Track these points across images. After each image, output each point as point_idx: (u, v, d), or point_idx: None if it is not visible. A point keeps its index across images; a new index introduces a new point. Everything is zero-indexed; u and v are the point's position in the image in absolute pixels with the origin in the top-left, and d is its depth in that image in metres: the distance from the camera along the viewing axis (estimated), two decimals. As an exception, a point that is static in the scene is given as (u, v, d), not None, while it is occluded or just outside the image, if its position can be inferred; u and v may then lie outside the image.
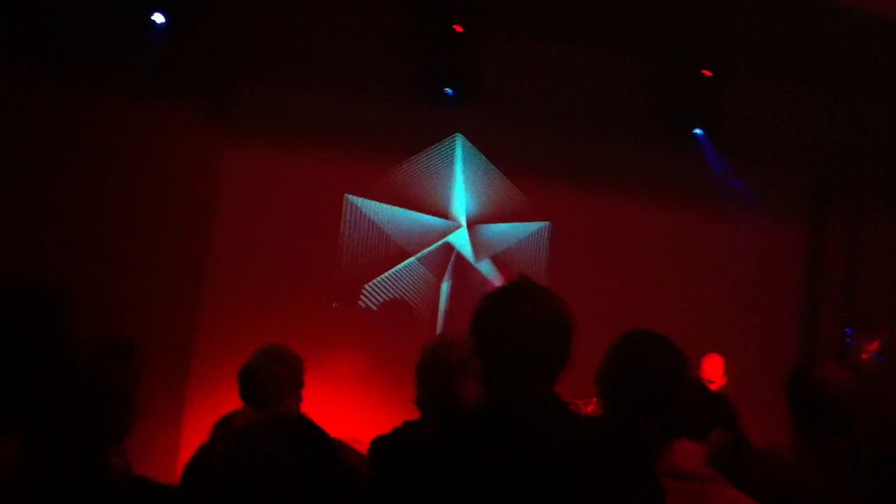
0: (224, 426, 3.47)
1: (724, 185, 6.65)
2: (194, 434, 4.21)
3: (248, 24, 5.81)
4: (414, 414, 2.83)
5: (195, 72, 5.71)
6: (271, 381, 3.53)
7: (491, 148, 6.34)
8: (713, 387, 5.52)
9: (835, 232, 7.00)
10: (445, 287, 6.35)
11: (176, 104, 5.69)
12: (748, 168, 6.72)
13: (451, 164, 6.34)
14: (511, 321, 2.04)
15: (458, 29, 5.79)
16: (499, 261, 6.41)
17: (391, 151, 6.20)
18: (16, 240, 5.22)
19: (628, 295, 6.28)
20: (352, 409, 5.58)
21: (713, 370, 5.65)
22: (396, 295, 6.26)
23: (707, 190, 6.66)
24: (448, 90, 6.00)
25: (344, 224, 6.13)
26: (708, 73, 6.28)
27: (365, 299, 6.18)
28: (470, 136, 6.30)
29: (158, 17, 5.45)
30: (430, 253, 6.36)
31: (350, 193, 6.13)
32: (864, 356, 5.55)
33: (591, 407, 3.59)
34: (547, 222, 6.52)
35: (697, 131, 6.50)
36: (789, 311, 6.91)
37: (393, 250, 6.26)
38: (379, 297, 6.22)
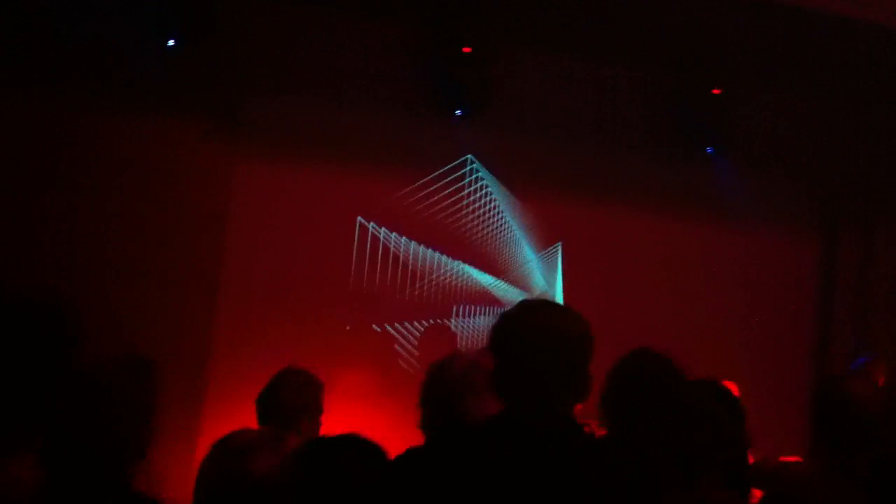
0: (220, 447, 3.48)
1: (735, 199, 6.65)
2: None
3: (260, 39, 5.85)
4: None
5: (207, 86, 5.74)
6: (292, 403, 3.53)
7: (501, 165, 6.35)
8: None
9: (848, 245, 6.98)
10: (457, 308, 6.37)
11: (187, 119, 5.72)
12: (759, 182, 6.72)
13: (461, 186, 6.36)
14: (530, 334, 2.06)
15: (467, 50, 5.82)
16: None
17: (402, 169, 6.22)
18: (29, 253, 5.25)
19: (640, 312, 6.28)
20: (365, 429, 5.58)
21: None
22: (411, 314, 6.28)
23: (718, 205, 6.67)
24: (459, 111, 6.03)
25: (356, 241, 6.15)
26: (717, 91, 6.29)
27: (379, 321, 6.19)
28: (480, 154, 6.32)
29: (171, 42, 5.50)
30: (443, 272, 6.38)
31: (362, 210, 6.16)
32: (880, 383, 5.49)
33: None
34: (558, 243, 6.54)
35: (709, 150, 6.51)
36: (802, 325, 6.88)
37: (406, 268, 6.29)
38: (393, 318, 6.25)
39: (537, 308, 2.13)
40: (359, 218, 6.18)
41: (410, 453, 2.58)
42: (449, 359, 2.74)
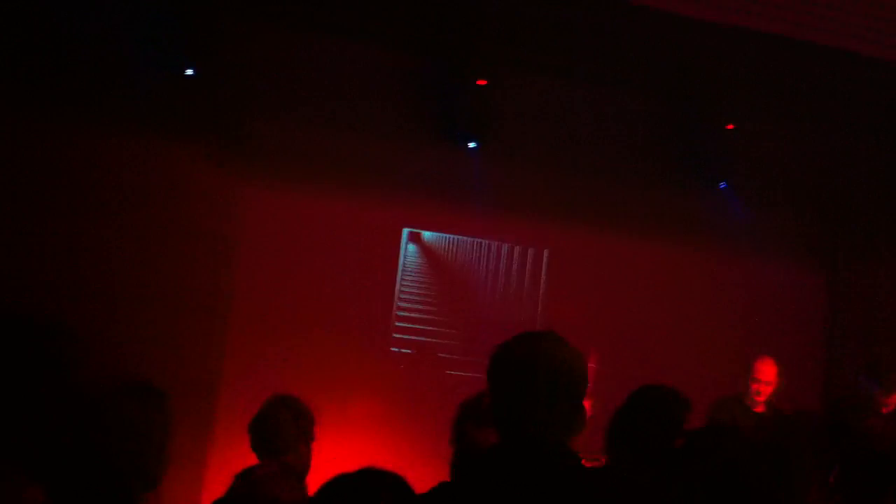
0: (245, 478, 3.49)
1: (740, 229, 6.66)
2: (217, 481, 4.23)
3: (268, 65, 5.87)
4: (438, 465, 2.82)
5: (214, 110, 5.77)
6: (275, 429, 3.55)
7: (506, 193, 6.37)
8: (766, 388, 5.52)
9: (854, 276, 6.97)
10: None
11: (195, 143, 5.74)
12: (764, 212, 6.73)
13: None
14: (525, 365, 2.07)
15: (482, 83, 5.85)
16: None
17: (408, 196, 6.26)
18: (36, 276, 5.25)
19: (647, 341, 6.27)
20: (378, 458, 5.56)
21: (767, 373, 5.55)
22: (422, 342, 6.29)
23: (724, 234, 6.67)
24: (471, 144, 6.04)
25: (366, 265, 6.18)
26: (731, 126, 6.33)
27: (391, 344, 6.21)
28: (485, 182, 6.33)
29: (190, 71, 5.55)
30: (450, 301, 6.40)
31: (369, 235, 6.18)
32: (885, 409, 5.34)
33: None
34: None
35: (722, 185, 6.54)
36: (808, 355, 6.86)
37: (414, 292, 6.31)
38: (405, 344, 6.26)
39: (534, 339, 2.15)
40: (365, 245, 6.20)
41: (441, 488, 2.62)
42: (479, 395, 2.74)
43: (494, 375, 2.13)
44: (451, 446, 2.71)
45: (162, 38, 5.40)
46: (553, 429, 2.06)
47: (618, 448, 2.43)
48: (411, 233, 6.38)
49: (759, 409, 5.54)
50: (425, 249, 6.47)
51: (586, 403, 2.13)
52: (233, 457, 3.92)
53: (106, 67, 5.49)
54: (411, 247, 6.37)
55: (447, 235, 6.48)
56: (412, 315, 6.36)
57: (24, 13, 5.34)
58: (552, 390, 2.06)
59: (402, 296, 6.34)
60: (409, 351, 6.28)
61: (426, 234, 6.45)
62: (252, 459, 3.66)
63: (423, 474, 2.84)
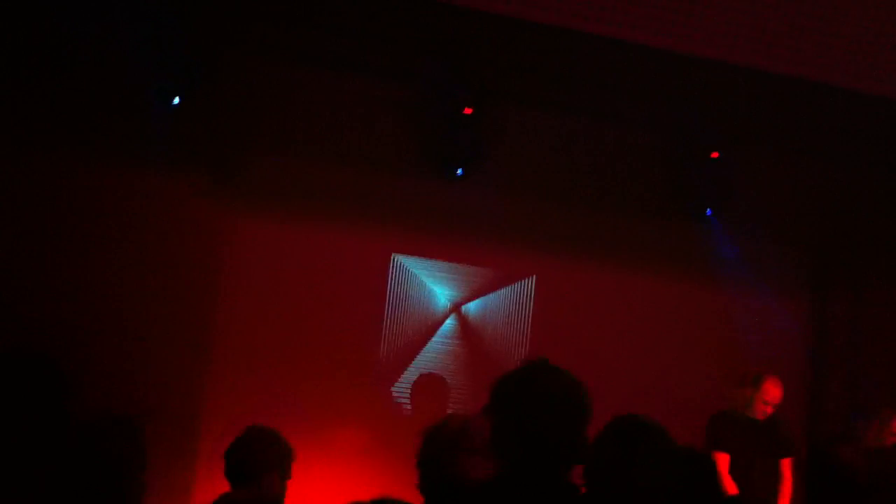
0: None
1: (727, 261, 6.69)
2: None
3: (261, 97, 5.93)
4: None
5: (205, 143, 5.82)
6: (246, 456, 3.53)
7: (497, 224, 6.41)
8: (769, 409, 5.45)
9: (838, 307, 7.00)
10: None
11: (188, 176, 5.77)
12: (751, 244, 6.77)
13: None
14: (531, 396, 2.09)
15: (468, 111, 5.92)
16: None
17: (401, 228, 6.29)
18: (22, 307, 5.24)
19: (631, 371, 6.28)
20: (362, 487, 5.53)
21: (776, 395, 5.47)
22: (409, 372, 6.28)
23: (710, 266, 6.70)
24: (458, 171, 6.10)
25: (351, 299, 6.18)
26: (715, 154, 6.38)
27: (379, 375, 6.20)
28: (477, 213, 6.36)
29: (177, 100, 5.59)
30: (438, 329, 6.40)
31: (359, 269, 6.20)
32: (892, 439, 5.37)
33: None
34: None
35: (708, 212, 6.58)
36: (793, 387, 6.86)
37: (400, 325, 6.31)
38: (395, 379, 6.25)
39: (538, 370, 2.16)
40: (356, 276, 6.21)
41: None
42: (443, 421, 2.76)
43: (496, 405, 2.12)
44: (423, 472, 2.69)
45: (157, 69, 5.45)
46: (554, 460, 2.06)
47: (598, 481, 2.43)
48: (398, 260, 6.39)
49: (759, 417, 5.51)
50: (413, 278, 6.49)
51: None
52: (217, 487, 3.90)
53: (100, 98, 5.53)
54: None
55: (435, 262, 6.48)
56: (400, 344, 6.35)
57: (24, 40, 5.40)
58: (554, 421, 2.07)
59: (391, 325, 6.34)
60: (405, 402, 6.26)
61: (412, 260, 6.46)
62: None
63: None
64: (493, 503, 2.06)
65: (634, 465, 2.35)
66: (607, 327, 6.50)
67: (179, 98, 5.57)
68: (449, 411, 6.00)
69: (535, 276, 6.58)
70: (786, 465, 5.51)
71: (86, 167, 5.60)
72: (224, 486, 3.70)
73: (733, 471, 5.34)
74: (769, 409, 5.46)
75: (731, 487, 5.27)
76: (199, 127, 5.75)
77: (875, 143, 6.41)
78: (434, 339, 6.40)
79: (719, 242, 6.68)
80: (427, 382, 6.27)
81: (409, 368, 6.32)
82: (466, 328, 6.48)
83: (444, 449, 2.63)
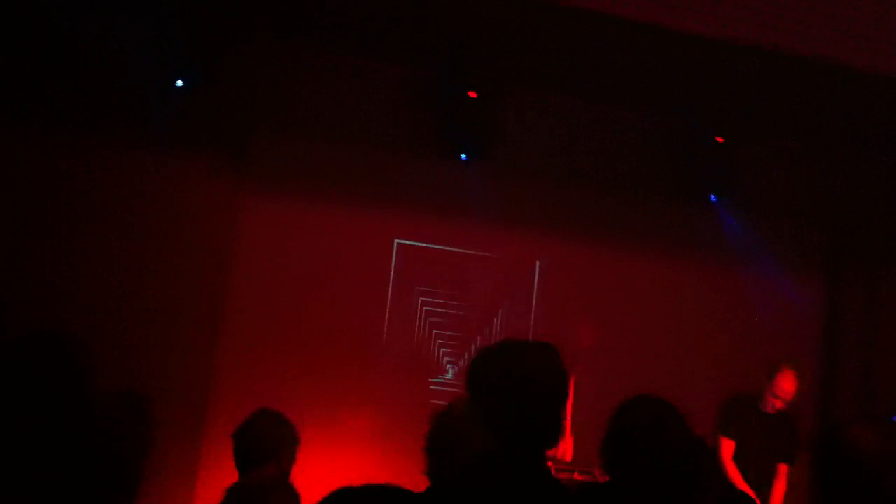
0: (237, 491, 3.46)
1: (739, 245, 6.65)
2: (208, 496, 4.20)
3: (268, 79, 5.92)
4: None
5: (215, 124, 5.81)
6: (257, 438, 3.53)
7: (505, 207, 6.38)
8: (782, 404, 5.20)
9: (852, 292, 6.96)
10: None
11: (196, 157, 5.78)
12: (763, 229, 6.73)
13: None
14: (500, 372, 2.07)
15: (473, 95, 5.88)
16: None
17: (407, 210, 6.26)
18: (34, 288, 5.26)
19: (640, 355, 6.25)
20: (369, 470, 5.54)
21: (787, 389, 5.19)
22: (413, 355, 6.27)
23: (722, 250, 6.67)
24: (462, 155, 6.06)
25: (358, 282, 6.16)
26: (721, 139, 6.33)
27: (383, 357, 6.19)
28: (484, 196, 6.33)
29: (179, 83, 5.57)
30: (444, 313, 6.38)
31: (366, 250, 6.18)
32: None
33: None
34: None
35: (713, 197, 6.53)
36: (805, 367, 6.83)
37: (407, 306, 6.30)
38: (396, 357, 6.23)
39: (514, 346, 2.13)
40: (363, 258, 6.19)
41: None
42: (449, 405, 2.74)
43: (470, 382, 2.11)
44: (430, 456, 2.68)
45: (165, 52, 5.43)
46: (527, 439, 2.05)
47: (617, 464, 2.38)
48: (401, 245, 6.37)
49: (769, 410, 5.28)
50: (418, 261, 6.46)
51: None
52: (224, 470, 3.89)
53: (108, 81, 5.53)
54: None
55: (439, 247, 6.46)
56: (405, 327, 6.34)
57: (30, 26, 5.38)
58: (528, 400, 2.04)
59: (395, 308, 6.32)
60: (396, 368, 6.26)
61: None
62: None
63: (413, 486, 2.82)
64: (467, 487, 2.03)
65: (665, 450, 2.30)
66: (613, 312, 6.47)
67: (188, 82, 5.54)
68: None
69: (539, 261, 6.55)
70: (782, 470, 5.26)
71: (95, 151, 5.61)
72: (229, 469, 3.70)
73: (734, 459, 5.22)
74: (778, 404, 5.20)
75: (734, 475, 5.17)
76: (207, 110, 5.74)
77: (890, 126, 6.33)
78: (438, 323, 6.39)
79: (729, 226, 6.64)
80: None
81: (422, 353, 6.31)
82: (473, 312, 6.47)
83: (452, 433, 2.62)
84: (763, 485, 5.21)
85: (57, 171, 5.52)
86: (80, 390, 2.29)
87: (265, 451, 3.47)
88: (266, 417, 3.58)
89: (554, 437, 2.07)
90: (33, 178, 5.47)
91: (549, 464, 2.13)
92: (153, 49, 5.46)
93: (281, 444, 3.51)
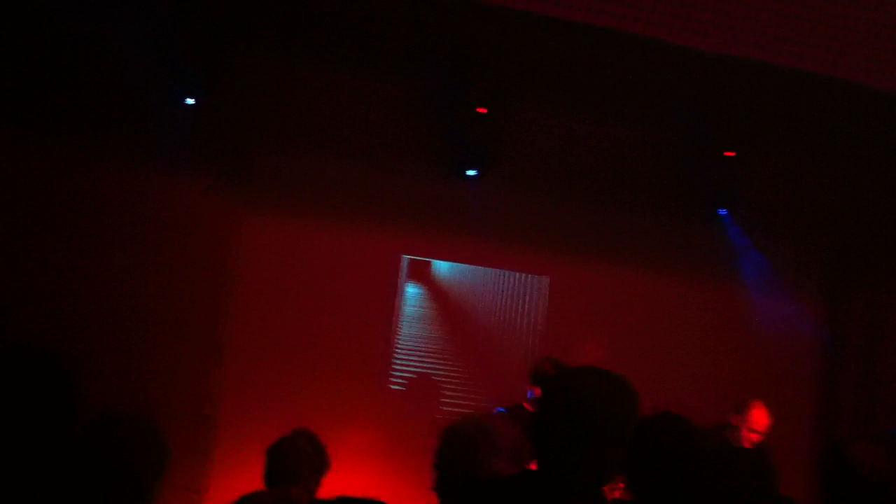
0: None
1: (742, 260, 6.65)
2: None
3: (273, 96, 5.95)
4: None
5: (219, 142, 5.84)
6: (294, 458, 3.52)
7: (510, 224, 6.39)
8: (756, 437, 5.18)
9: (855, 307, 6.94)
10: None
11: (199, 173, 5.79)
12: (766, 243, 6.73)
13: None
14: (583, 402, 2.00)
15: (482, 111, 5.90)
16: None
17: (411, 228, 6.28)
18: (36, 305, 5.28)
19: (644, 371, 6.21)
20: (373, 489, 5.53)
21: (762, 423, 5.20)
22: (420, 371, 6.27)
23: (725, 265, 6.67)
24: (471, 172, 6.07)
25: (362, 298, 6.17)
26: (730, 153, 6.34)
27: (390, 375, 6.19)
28: (489, 212, 6.34)
29: (189, 100, 5.61)
30: (450, 331, 6.39)
31: (369, 268, 6.19)
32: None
33: (617, 493, 3.52)
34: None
35: (721, 211, 6.54)
36: (809, 384, 6.82)
37: (411, 324, 6.30)
38: (402, 374, 6.23)
39: (590, 376, 2.08)
40: (369, 274, 6.21)
41: None
42: (462, 422, 2.71)
43: (548, 404, 2.07)
44: (440, 473, 2.64)
45: (170, 70, 5.47)
46: (591, 474, 2.00)
47: (640, 482, 2.36)
48: (412, 262, 6.38)
49: (746, 446, 5.16)
50: (426, 279, 6.48)
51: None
52: (231, 486, 3.90)
53: (113, 98, 5.57)
54: (412, 290, 6.38)
55: (448, 263, 6.48)
56: (412, 343, 6.34)
57: (36, 44, 5.42)
58: (599, 434, 1.99)
59: (403, 325, 6.33)
60: (403, 387, 6.25)
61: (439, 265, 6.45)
62: (251, 488, 3.64)
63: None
64: (520, 499, 2.00)
65: (689, 468, 2.29)
66: (621, 327, 6.47)
67: (193, 98, 5.58)
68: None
69: (548, 277, 6.55)
70: None
71: (100, 167, 5.64)
72: (238, 485, 3.70)
73: None
74: (755, 437, 5.18)
75: None
76: (211, 126, 5.77)
77: (891, 140, 6.34)
78: (445, 336, 6.40)
79: (734, 240, 6.64)
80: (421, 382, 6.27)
81: (419, 367, 6.31)
82: (477, 328, 6.47)
83: (464, 449, 2.58)
84: None
85: (62, 186, 5.55)
86: (67, 410, 2.28)
87: (294, 472, 3.46)
88: (302, 438, 3.57)
89: (615, 473, 2.04)
90: (38, 192, 5.50)
91: None
92: (158, 67, 5.49)
93: (311, 468, 3.51)
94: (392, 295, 6.29)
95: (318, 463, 3.56)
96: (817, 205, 6.79)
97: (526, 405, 5.09)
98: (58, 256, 5.50)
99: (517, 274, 6.59)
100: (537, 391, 4.94)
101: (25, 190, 5.46)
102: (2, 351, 2.29)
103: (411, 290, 6.40)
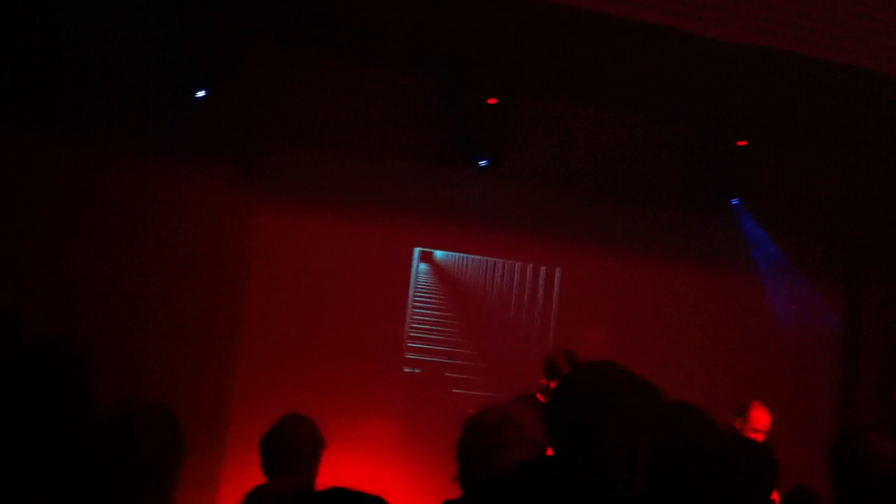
0: (256, 496, 3.47)
1: (758, 252, 6.62)
2: (231, 501, 4.22)
3: (285, 90, 5.96)
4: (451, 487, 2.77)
5: (231, 137, 5.84)
6: (291, 444, 3.53)
7: (521, 215, 6.38)
8: (759, 437, 5.17)
9: (873, 298, 6.90)
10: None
11: (211, 168, 5.81)
12: (782, 233, 6.70)
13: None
14: (610, 398, 2.01)
15: (492, 102, 5.88)
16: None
17: (424, 219, 6.28)
18: (52, 299, 5.30)
19: (661, 363, 6.21)
20: (389, 478, 5.55)
21: (764, 422, 5.25)
22: (434, 361, 6.28)
23: (742, 257, 6.65)
24: (482, 162, 6.07)
25: (376, 289, 6.18)
26: (742, 143, 6.30)
27: (402, 364, 6.20)
28: (500, 204, 6.33)
29: (200, 93, 5.61)
30: (462, 319, 6.39)
31: (383, 259, 6.20)
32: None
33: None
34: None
35: (734, 201, 6.51)
36: (826, 376, 6.79)
37: (426, 312, 6.31)
38: (416, 363, 6.25)
39: (608, 371, 2.08)
40: (382, 266, 6.22)
41: None
42: (482, 412, 2.69)
43: (563, 403, 2.07)
44: (463, 464, 2.64)
45: (181, 64, 5.47)
46: (614, 469, 2.01)
47: (657, 470, 2.36)
48: (423, 252, 6.38)
49: None
50: (437, 269, 6.48)
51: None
52: (246, 476, 3.91)
53: (125, 93, 5.57)
54: (423, 266, 6.38)
55: (459, 255, 6.48)
56: (424, 335, 6.35)
57: (46, 42, 5.43)
58: (618, 422, 2.00)
59: (415, 315, 6.34)
60: (418, 370, 6.27)
61: (438, 254, 6.45)
62: (265, 480, 3.65)
63: (434, 494, 2.83)
64: (541, 488, 1.99)
65: (701, 455, 2.29)
66: (632, 316, 6.45)
67: (205, 92, 5.59)
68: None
69: (560, 268, 6.54)
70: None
71: (111, 164, 5.65)
72: (252, 475, 3.72)
73: None
74: (758, 437, 5.13)
75: None
76: (225, 120, 5.77)
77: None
78: (456, 326, 6.40)
79: (747, 230, 6.61)
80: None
81: (431, 357, 6.32)
82: (488, 317, 6.47)
83: (485, 440, 2.56)
84: None
85: (74, 183, 5.57)
86: (86, 397, 2.30)
87: (292, 459, 3.47)
88: (295, 423, 3.57)
89: (637, 467, 2.03)
90: (51, 190, 5.52)
91: None
92: (167, 62, 5.49)
93: (308, 452, 3.51)
94: (405, 286, 6.30)
95: (312, 444, 3.56)
96: (833, 195, 6.75)
97: (539, 396, 5.09)
98: (71, 255, 5.52)
99: (529, 265, 6.58)
100: (552, 384, 4.94)
101: (36, 189, 5.48)
102: (24, 342, 2.31)
103: (422, 278, 6.40)
